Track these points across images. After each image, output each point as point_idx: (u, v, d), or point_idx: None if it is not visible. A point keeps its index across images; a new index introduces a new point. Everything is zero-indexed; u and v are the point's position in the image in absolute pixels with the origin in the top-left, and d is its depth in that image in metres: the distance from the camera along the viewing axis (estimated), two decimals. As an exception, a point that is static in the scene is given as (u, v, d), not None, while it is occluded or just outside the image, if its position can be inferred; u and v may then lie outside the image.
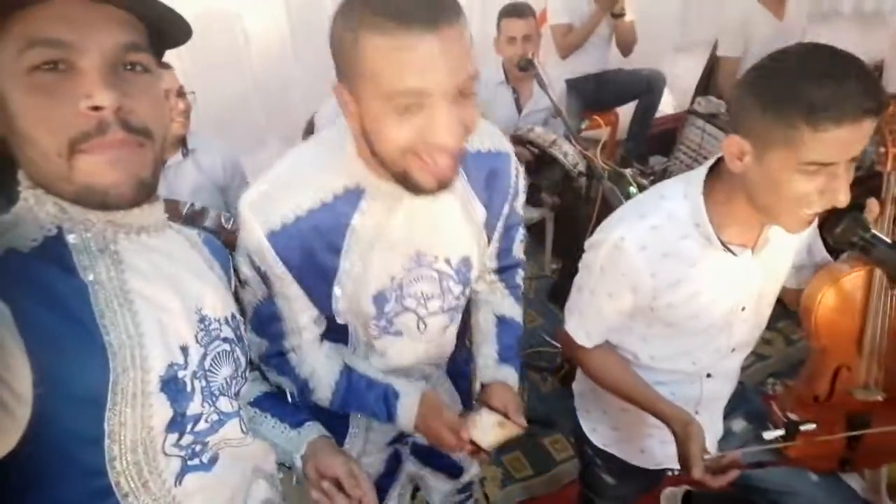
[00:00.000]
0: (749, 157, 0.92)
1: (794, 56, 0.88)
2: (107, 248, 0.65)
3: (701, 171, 1.04)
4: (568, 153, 2.28)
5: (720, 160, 1.01)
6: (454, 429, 0.97)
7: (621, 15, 2.95)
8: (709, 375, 1.20)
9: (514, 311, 1.19)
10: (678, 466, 1.09)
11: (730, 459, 1.07)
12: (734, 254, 1.03)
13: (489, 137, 1.00)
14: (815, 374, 1.23)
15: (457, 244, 0.98)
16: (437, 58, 0.69)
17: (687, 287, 1.06)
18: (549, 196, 2.45)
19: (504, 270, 1.18)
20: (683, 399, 1.17)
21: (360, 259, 0.91)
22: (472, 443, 0.96)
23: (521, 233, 1.15)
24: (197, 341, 0.71)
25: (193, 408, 0.70)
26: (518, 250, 1.17)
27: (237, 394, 0.80)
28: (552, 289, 2.74)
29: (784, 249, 1.10)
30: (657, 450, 1.26)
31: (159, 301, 0.67)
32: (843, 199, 0.88)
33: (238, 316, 0.84)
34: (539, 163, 2.38)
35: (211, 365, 0.73)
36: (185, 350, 0.69)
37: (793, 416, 1.20)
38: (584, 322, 1.16)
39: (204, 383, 0.72)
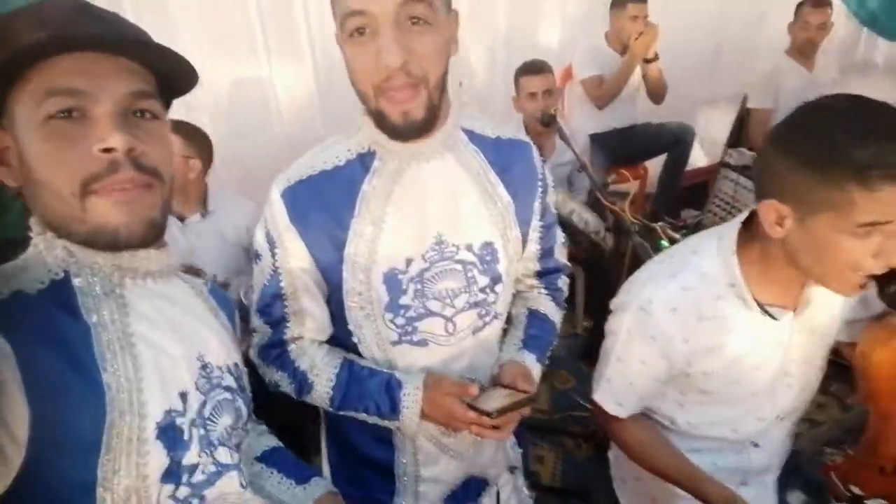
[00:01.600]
0: (790, 220, 0.86)
1: (832, 111, 0.83)
2: (112, 291, 0.66)
3: (734, 226, 0.98)
4: (588, 221, 2.23)
5: (754, 213, 0.95)
6: (460, 394, 0.92)
7: (654, 59, 2.95)
8: (756, 445, 1.11)
9: (550, 310, 1.14)
10: None
11: None
12: (773, 317, 0.96)
13: (508, 128, 1.03)
14: (879, 441, 1.10)
15: (477, 228, 0.96)
16: None
17: (724, 353, 0.99)
18: (574, 249, 2.40)
19: (545, 274, 1.15)
20: (728, 470, 1.09)
21: (372, 226, 0.90)
22: (476, 410, 0.89)
23: (561, 235, 1.14)
24: (197, 388, 0.71)
25: (190, 457, 0.68)
26: (560, 254, 1.16)
27: (238, 446, 0.78)
28: (584, 348, 2.64)
29: (830, 307, 1.03)
30: None
31: (161, 346, 0.67)
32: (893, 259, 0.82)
33: (241, 366, 0.83)
34: (562, 224, 2.35)
35: (211, 413, 0.72)
36: (184, 396, 0.68)
37: (856, 490, 1.09)
38: (614, 391, 1.09)
39: (202, 432, 0.70)
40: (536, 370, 1.04)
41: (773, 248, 0.92)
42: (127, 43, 0.63)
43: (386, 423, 0.97)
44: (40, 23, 0.59)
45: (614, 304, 1.07)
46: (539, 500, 1.98)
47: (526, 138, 1.04)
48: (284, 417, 1.33)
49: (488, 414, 0.86)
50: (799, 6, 2.94)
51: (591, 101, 3.01)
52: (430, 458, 1.07)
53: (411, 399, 0.94)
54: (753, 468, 1.12)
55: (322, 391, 0.98)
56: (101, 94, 0.61)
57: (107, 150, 0.60)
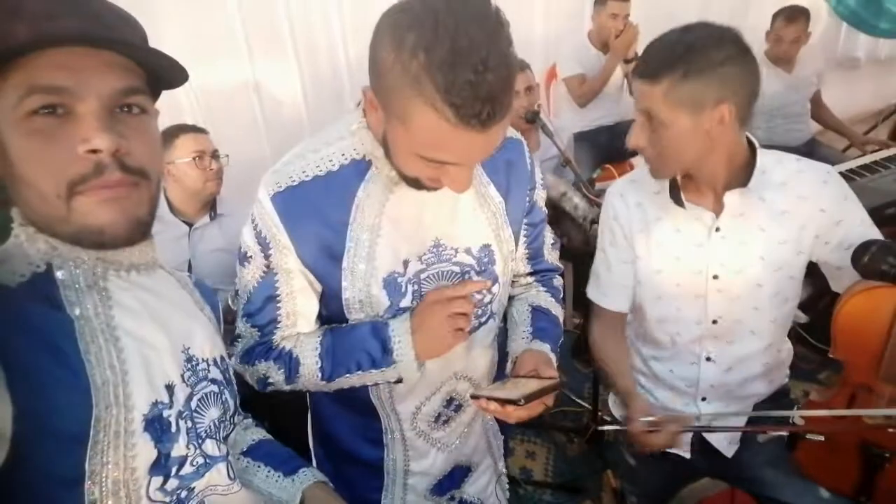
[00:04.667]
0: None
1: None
2: (95, 284, 0.65)
3: None
4: (578, 205, 2.24)
5: None
6: (445, 296, 0.89)
7: (634, 59, 2.97)
8: (709, 359, 1.25)
9: (551, 305, 1.12)
10: (685, 453, 1.30)
11: (666, 420, 1.18)
12: (682, 205, 1.14)
13: None
14: (834, 387, 1.17)
15: (474, 231, 0.96)
16: (478, 146, 0.74)
17: (651, 237, 1.20)
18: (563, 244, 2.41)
19: (538, 274, 1.14)
20: (683, 379, 1.29)
21: (368, 233, 0.89)
22: (501, 401, 0.85)
23: (550, 235, 1.14)
24: (183, 381, 0.70)
25: (178, 449, 0.68)
26: (550, 255, 1.14)
27: (225, 438, 0.77)
28: (575, 344, 2.64)
29: (768, 232, 1.13)
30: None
31: (146, 338, 0.67)
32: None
33: (227, 360, 0.82)
34: (553, 212, 2.35)
35: (198, 406, 0.72)
36: (170, 389, 0.68)
37: (798, 420, 1.17)
38: (600, 283, 1.30)
39: (190, 424, 0.70)
40: (553, 359, 1.01)
41: None
42: (114, 42, 0.60)
43: (385, 374, 0.93)
44: (19, 14, 0.56)
45: None
46: (532, 495, 1.99)
47: (517, 135, 1.03)
48: (269, 420, 1.33)
49: (516, 402, 0.83)
50: (774, 17, 2.93)
51: (574, 100, 3.03)
52: (420, 454, 1.08)
53: (401, 329, 0.90)
54: (707, 382, 1.27)
55: (310, 363, 0.94)
56: (85, 92, 0.58)
57: (92, 151, 0.58)
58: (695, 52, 0.98)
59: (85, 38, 0.58)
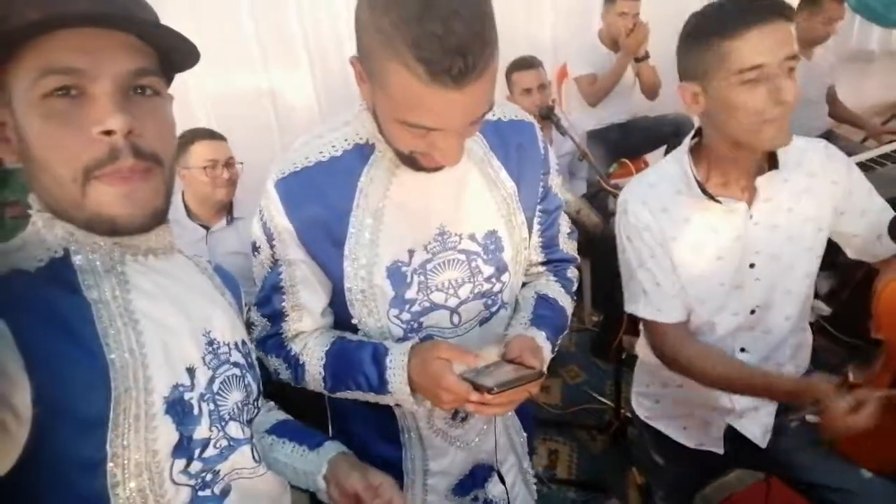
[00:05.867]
0: (700, 95, 1.04)
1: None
2: (113, 268, 0.65)
3: (690, 135, 1.16)
4: (594, 222, 2.21)
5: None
6: (454, 358, 0.83)
7: (644, 58, 2.96)
8: (743, 350, 1.20)
9: (559, 295, 1.06)
10: (718, 448, 1.26)
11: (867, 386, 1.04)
12: (718, 201, 1.09)
13: (510, 108, 0.99)
14: (876, 369, 1.13)
15: (480, 216, 0.93)
16: (456, 107, 0.70)
17: (685, 242, 1.13)
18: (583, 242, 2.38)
19: (552, 263, 1.09)
20: None
21: (372, 219, 0.87)
22: (474, 385, 0.80)
23: (566, 224, 1.10)
24: (205, 363, 0.70)
25: (201, 432, 0.67)
26: (566, 244, 1.10)
27: (249, 421, 0.77)
28: (594, 342, 2.62)
29: (795, 212, 1.12)
30: (697, 430, 1.30)
31: (165, 322, 0.66)
32: (788, 97, 0.96)
33: (249, 344, 0.81)
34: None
35: (220, 388, 0.71)
36: (191, 371, 0.67)
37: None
38: (651, 299, 1.18)
39: (212, 406, 0.69)
40: (546, 348, 0.95)
41: (712, 141, 1.09)
42: (125, 21, 0.60)
43: (381, 399, 0.91)
44: None
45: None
46: (556, 494, 1.97)
47: (528, 118, 1.00)
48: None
49: (488, 390, 0.77)
50: (809, 6, 2.80)
51: (584, 99, 3.02)
52: (438, 452, 1.05)
53: (397, 365, 0.86)
54: None
55: (315, 373, 0.94)
56: (99, 73, 0.58)
57: (106, 133, 0.58)
58: None
59: (97, 18, 0.58)
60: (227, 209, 1.99)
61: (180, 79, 0.70)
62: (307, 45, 2.70)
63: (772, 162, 1.10)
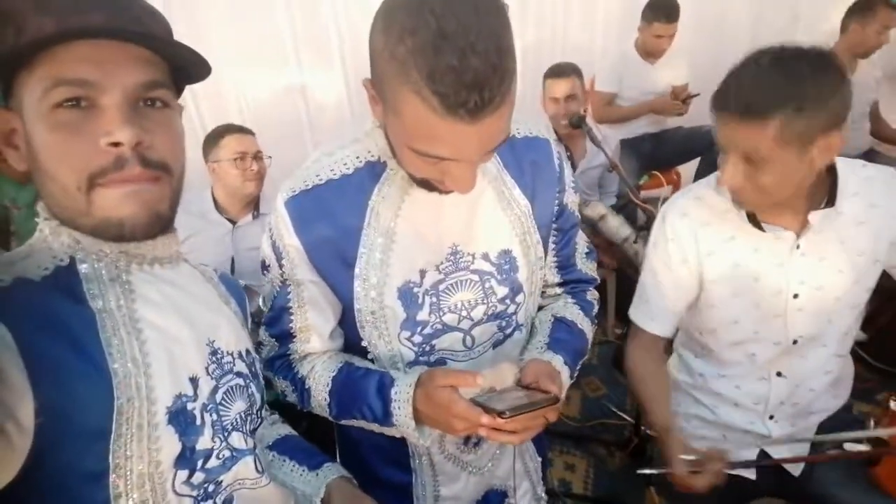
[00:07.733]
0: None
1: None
2: (118, 277, 0.65)
3: None
4: (618, 228, 2.18)
5: None
6: (459, 384, 0.79)
7: (686, 102, 2.92)
8: (779, 374, 1.17)
9: (578, 318, 1.01)
10: (750, 473, 1.21)
11: (711, 455, 1.07)
12: (762, 229, 1.07)
13: (525, 124, 0.94)
14: None
15: (494, 235, 0.90)
16: (471, 140, 0.68)
17: (724, 258, 1.11)
18: (606, 258, 2.35)
19: (569, 285, 1.05)
20: (751, 396, 1.20)
21: (383, 238, 0.85)
22: (485, 409, 0.76)
23: (584, 243, 1.06)
24: (208, 373, 0.69)
25: (203, 442, 0.67)
26: (583, 264, 1.06)
27: (253, 431, 0.76)
28: (616, 355, 2.57)
29: (847, 245, 1.08)
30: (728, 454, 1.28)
31: (169, 331, 0.66)
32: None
33: (253, 353, 0.81)
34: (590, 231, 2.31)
35: (223, 398, 0.71)
36: (194, 381, 0.67)
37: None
38: (650, 307, 1.21)
39: (215, 417, 0.69)
40: (565, 373, 0.91)
41: None
42: (141, 36, 0.60)
43: (387, 431, 0.88)
44: (46, 7, 0.57)
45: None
46: (571, 509, 1.94)
47: (543, 134, 0.96)
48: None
49: (499, 414, 0.74)
50: (860, 15, 2.69)
51: (593, 113, 2.97)
52: (449, 478, 1.03)
53: (402, 398, 0.83)
54: (777, 399, 1.18)
55: (320, 399, 0.91)
56: (109, 85, 0.58)
57: (114, 144, 0.58)
58: (806, 84, 0.90)
59: (111, 31, 0.58)
60: (254, 204, 2.01)
61: (214, 76, 0.69)
62: (340, 43, 2.70)
63: (831, 193, 1.04)
